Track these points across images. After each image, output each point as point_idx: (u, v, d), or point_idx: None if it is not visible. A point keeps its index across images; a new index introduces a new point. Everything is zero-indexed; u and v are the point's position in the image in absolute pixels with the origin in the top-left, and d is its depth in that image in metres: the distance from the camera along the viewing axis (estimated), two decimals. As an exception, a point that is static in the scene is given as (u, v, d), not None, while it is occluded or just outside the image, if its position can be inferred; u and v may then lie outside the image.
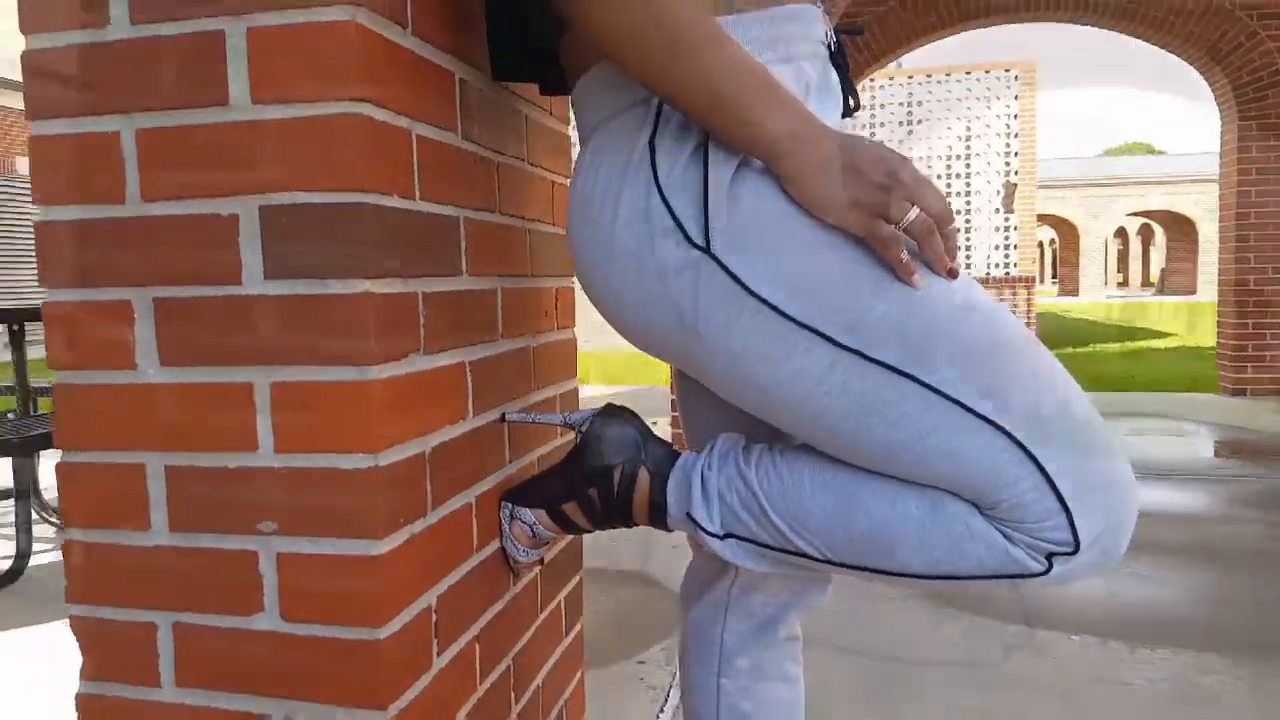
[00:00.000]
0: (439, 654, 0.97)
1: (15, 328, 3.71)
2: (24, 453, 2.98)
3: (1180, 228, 33.19)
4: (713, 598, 1.21)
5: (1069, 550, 0.86)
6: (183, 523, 0.90)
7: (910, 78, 12.02)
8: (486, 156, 1.12)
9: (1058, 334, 14.24)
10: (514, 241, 1.20)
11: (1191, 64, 7.22)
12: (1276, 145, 6.85)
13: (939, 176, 11.96)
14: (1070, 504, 0.85)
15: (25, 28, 0.87)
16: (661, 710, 1.95)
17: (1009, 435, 0.86)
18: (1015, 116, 11.88)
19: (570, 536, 1.46)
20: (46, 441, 3.00)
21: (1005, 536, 0.88)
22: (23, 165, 16.44)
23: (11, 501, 3.37)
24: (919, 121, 12.01)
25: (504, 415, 1.15)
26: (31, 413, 3.93)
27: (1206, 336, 13.46)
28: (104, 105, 0.87)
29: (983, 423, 0.86)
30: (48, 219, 0.90)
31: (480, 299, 1.09)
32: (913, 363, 0.87)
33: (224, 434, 0.88)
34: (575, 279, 1.30)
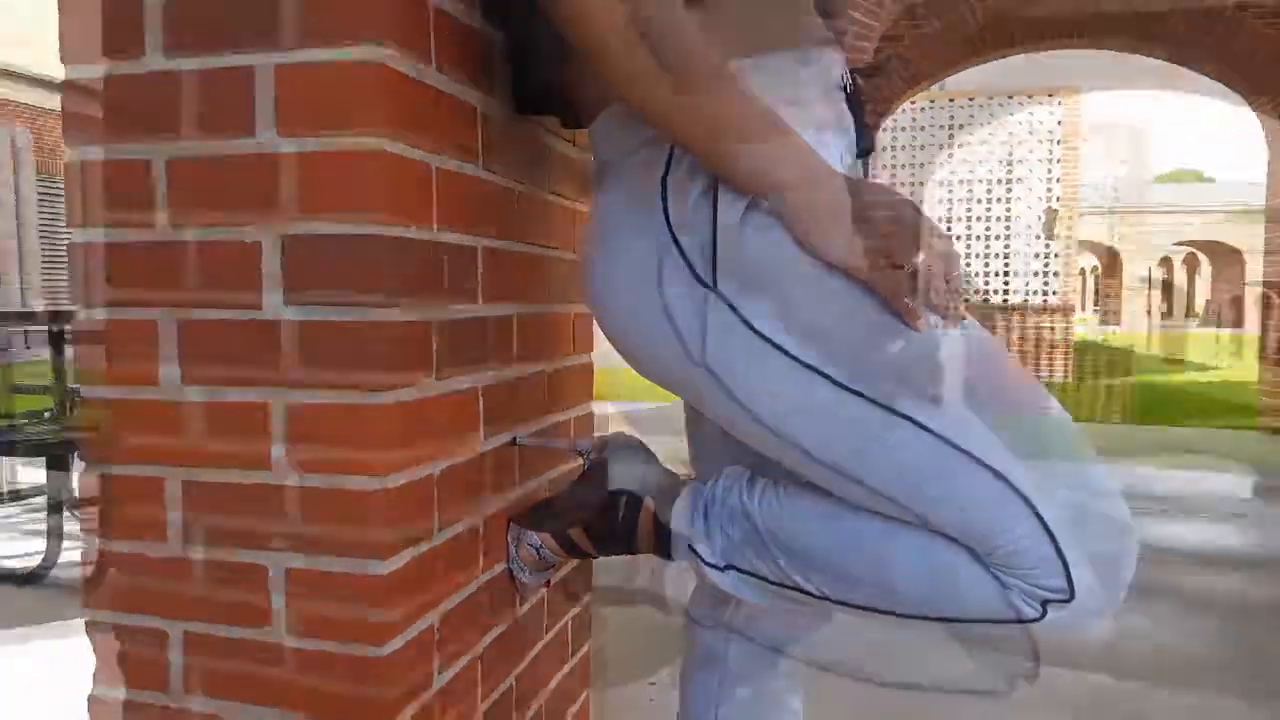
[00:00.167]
0: (440, 672, 1.00)
1: (55, 329, 3.80)
2: (60, 455, 3.01)
3: (1227, 258, 32.66)
4: (720, 619, 1.23)
5: (1064, 598, 0.87)
6: (197, 536, 0.93)
7: (952, 100, 11.94)
8: (508, 186, 1.14)
9: (1095, 364, 14.05)
10: (532, 269, 1.23)
11: (1239, 93, 7.13)
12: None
13: (979, 201, 11.88)
14: (1066, 552, 0.86)
15: (65, 58, 0.92)
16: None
17: (1007, 481, 0.87)
18: (1058, 142, 11.77)
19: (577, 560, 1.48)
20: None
21: (1001, 582, 0.89)
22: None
23: (27, 498, 3.43)
24: (960, 145, 11.94)
25: (515, 439, 1.18)
26: (69, 414, 4.02)
27: (1250, 371, 13.22)
28: (136, 134, 0.91)
29: (982, 468, 0.87)
30: (82, 240, 0.94)
31: (495, 325, 1.12)
32: (915, 406, 0.88)
33: (239, 452, 0.92)
34: (591, 306, 1.32)
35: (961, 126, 11.87)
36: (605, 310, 1.02)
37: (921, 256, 0.85)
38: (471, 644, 1.08)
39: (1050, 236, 11.74)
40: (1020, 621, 0.89)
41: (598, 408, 1.48)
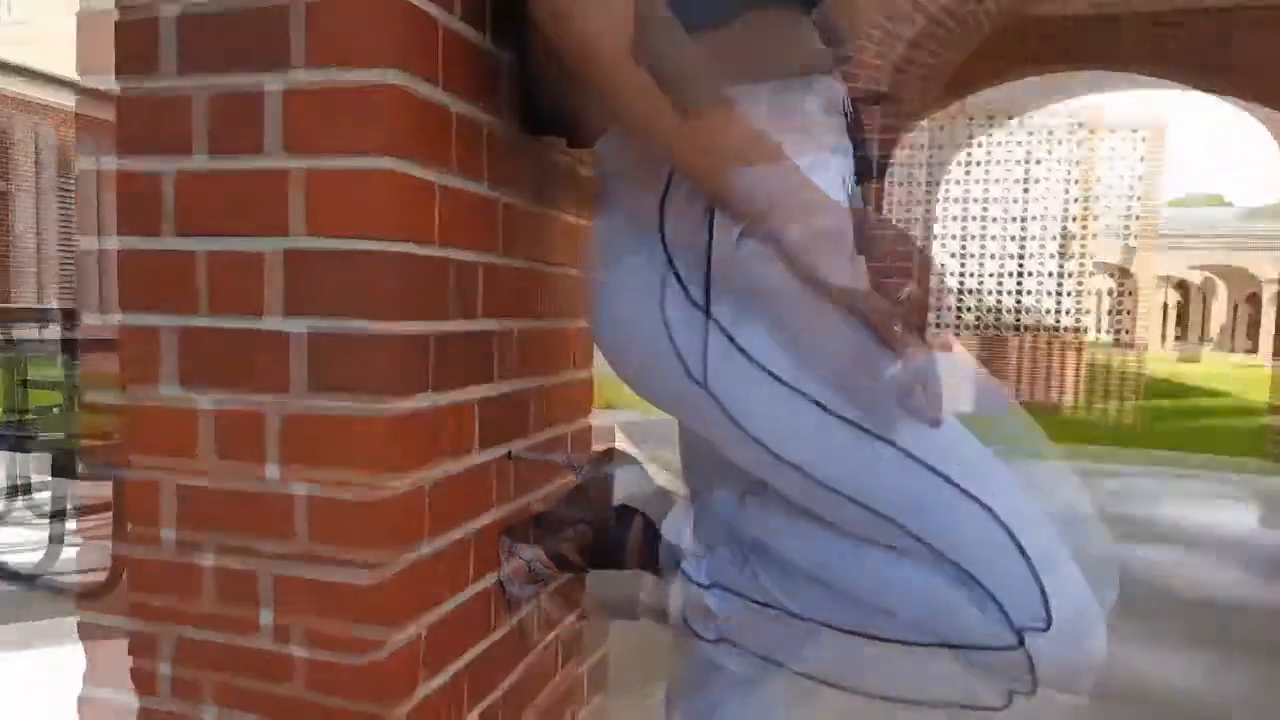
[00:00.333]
0: (425, 681, 1.01)
1: (67, 328, 3.83)
2: (65, 456, 2.97)
3: (1245, 283, 32.44)
4: (714, 626, 1.23)
5: (1041, 627, 0.88)
6: (190, 541, 0.95)
7: (971, 119, 11.91)
8: (511, 203, 1.16)
9: (1105, 388, 13.96)
10: (534, 284, 1.25)
11: (1258, 119, 7.10)
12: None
13: (994, 220, 11.85)
14: (1045, 582, 0.87)
15: (81, 70, 0.94)
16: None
17: (990, 512, 0.88)
18: (1077, 164, 11.74)
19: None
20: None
21: (980, 609, 0.90)
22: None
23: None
24: (977, 164, 11.92)
25: (510, 452, 1.19)
26: (75, 412, 4.04)
27: (1263, 397, 13.13)
28: (147, 146, 0.93)
29: (967, 498, 0.89)
30: (89, 248, 0.96)
31: (497, 340, 1.13)
32: (901, 433, 0.89)
33: (235, 457, 0.93)
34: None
35: (979, 144, 11.85)
36: (607, 328, 1.04)
37: (911, 287, 0.86)
38: (459, 655, 1.09)
39: (1065, 257, 11.71)
40: (996, 649, 0.90)
41: (595, 418, 1.49)
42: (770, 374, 0.91)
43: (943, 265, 11.69)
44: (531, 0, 0.94)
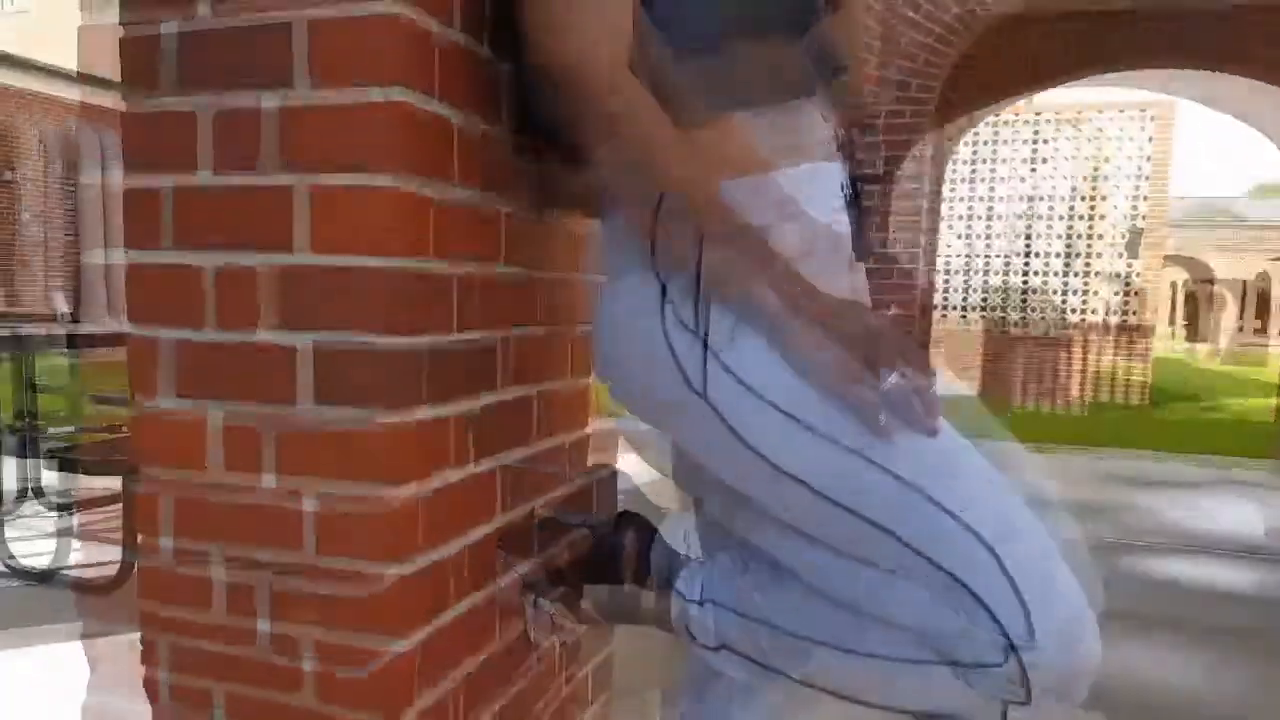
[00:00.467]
0: (425, 690, 1.02)
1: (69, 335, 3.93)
2: (70, 462, 3.00)
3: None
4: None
5: (1025, 643, 0.86)
6: (184, 546, 0.97)
7: (1038, 114, 11.65)
8: (512, 211, 1.16)
9: (1170, 386, 13.52)
10: (535, 293, 1.25)
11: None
12: None
13: (1060, 218, 11.58)
14: (1027, 599, 0.86)
15: (84, 76, 0.96)
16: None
17: (975, 533, 0.88)
18: (1148, 158, 11.41)
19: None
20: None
21: (966, 628, 0.89)
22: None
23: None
24: (1044, 160, 11.65)
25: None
26: (79, 416, 4.10)
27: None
28: (150, 164, 0.95)
29: (950, 519, 0.88)
30: (93, 261, 0.99)
31: (493, 350, 1.14)
32: (884, 453, 0.89)
33: (239, 474, 0.96)
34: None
35: (1046, 141, 11.59)
36: (607, 334, 1.05)
37: (896, 377, 0.86)
38: (459, 664, 1.10)
39: (1134, 255, 11.40)
40: (981, 666, 0.89)
41: (593, 425, 1.49)
42: (765, 399, 0.92)
43: (1036, 251, 11.49)
44: (525, 16, 0.95)
